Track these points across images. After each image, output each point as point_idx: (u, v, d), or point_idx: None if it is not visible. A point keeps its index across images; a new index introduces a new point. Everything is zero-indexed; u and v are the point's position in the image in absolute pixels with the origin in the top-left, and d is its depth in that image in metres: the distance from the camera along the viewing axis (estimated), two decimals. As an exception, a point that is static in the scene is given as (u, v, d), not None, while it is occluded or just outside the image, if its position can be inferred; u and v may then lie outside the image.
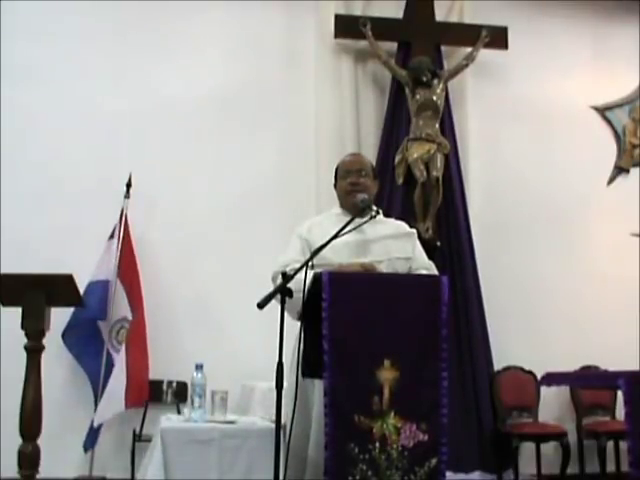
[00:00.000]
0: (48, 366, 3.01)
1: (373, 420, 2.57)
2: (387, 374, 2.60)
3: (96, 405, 4.82)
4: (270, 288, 2.73)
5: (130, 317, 4.94)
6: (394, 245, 3.08)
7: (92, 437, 4.86)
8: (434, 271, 3.13)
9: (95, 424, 4.81)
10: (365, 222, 2.97)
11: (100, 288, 4.92)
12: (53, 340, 3.03)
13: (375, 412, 2.58)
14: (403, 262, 3.04)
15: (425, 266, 3.11)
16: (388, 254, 3.02)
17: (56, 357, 4.77)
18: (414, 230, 3.27)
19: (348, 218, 2.98)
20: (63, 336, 4.88)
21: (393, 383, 2.60)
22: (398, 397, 2.59)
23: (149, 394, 4.91)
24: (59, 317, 3.34)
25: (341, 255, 2.93)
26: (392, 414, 2.58)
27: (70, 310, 4.83)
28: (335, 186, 3.24)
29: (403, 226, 3.25)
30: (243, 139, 5.54)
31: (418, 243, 3.21)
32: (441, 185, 5.45)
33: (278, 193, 5.50)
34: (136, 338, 4.90)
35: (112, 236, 5.06)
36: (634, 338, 5.56)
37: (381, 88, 5.85)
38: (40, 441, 2.86)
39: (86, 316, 4.87)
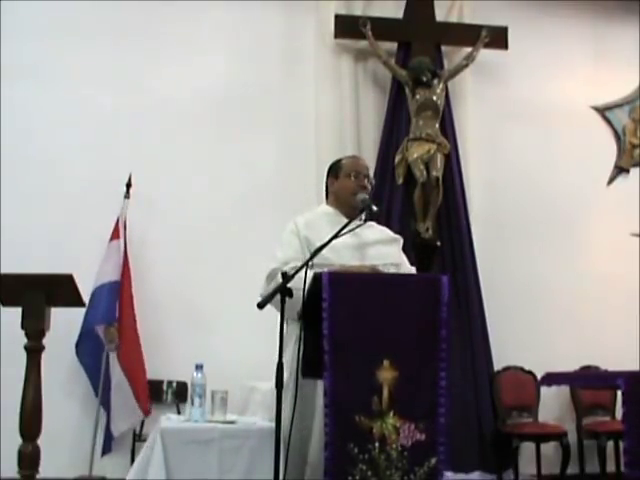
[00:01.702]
0: (48, 366, 3.01)
1: (373, 420, 2.57)
2: (386, 374, 2.60)
3: (107, 411, 4.87)
4: (269, 287, 2.74)
5: (116, 317, 4.88)
6: (386, 251, 3.11)
7: (108, 442, 4.91)
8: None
9: (115, 434, 4.88)
10: (362, 224, 2.97)
11: (109, 290, 4.87)
12: (53, 340, 3.02)
13: (375, 412, 2.58)
14: (394, 268, 3.07)
15: (410, 272, 3.15)
16: (383, 259, 3.04)
17: (56, 357, 4.74)
18: (399, 236, 3.30)
19: (341, 218, 3.02)
20: (77, 346, 4.90)
21: (392, 383, 2.60)
22: (397, 397, 2.59)
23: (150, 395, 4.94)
24: (64, 321, 3.34)
25: (343, 257, 2.93)
26: (391, 414, 2.59)
27: (74, 316, 4.81)
28: (331, 182, 3.22)
29: (387, 231, 3.29)
30: (243, 139, 5.54)
31: (401, 250, 3.24)
32: (441, 185, 5.45)
33: (278, 193, 5.49)
34: (129, 341, 4.90)
35: (114, 237, 5.02)
36: (634, 338, 5.57)
37: (381, 88, 5.85)
38: (40, 441, 2.87)
39: (94, 322, 4.85)
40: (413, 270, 3.17)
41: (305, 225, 3.08)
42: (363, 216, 3.00)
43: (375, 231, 3.17)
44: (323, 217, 3.13)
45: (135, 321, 4.97)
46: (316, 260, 2.83)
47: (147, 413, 4.87)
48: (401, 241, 3.26)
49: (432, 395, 2.64)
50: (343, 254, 2.94)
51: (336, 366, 2.58)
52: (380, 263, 3.00)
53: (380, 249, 3.09)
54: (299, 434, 2.79)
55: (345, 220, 2.95)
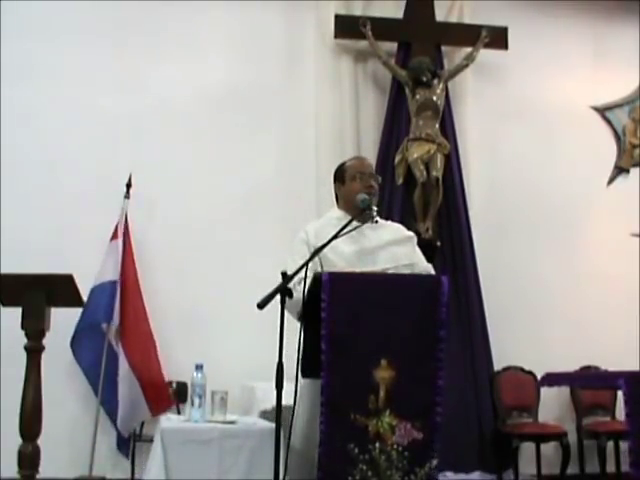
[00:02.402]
0: (48, 366, 3.01)
1: (368, 418, 2.58)
2: (383, 373, 2.61)
3: (111, 412, 4.86)
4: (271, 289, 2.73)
5: (118, 318, 4.88)
6: (399, 251, 3.06)
7: (125, 444, 4.91)
8: (432, 273, 3.13)
9: (125, 435, 4.88)
10: (362, 224, 2.95)
11: (108, 289, 4.87)
12: (53, 340, 3.02)
13: (371, 411, 2.59)
14: (407, 269, 3.03)
15: (427, 270, 3.11)
16: (395, 261, 3.01)
17: (56, 357, 4.74)
18: (413, 234, 3.25)
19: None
20: (72, 344, 4.89)
21: (389, 382, 2.60)
22: (394, 396, 2.60)
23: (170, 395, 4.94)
24: (64, 320, 3.34)
25: (352, 263, 2.92)
26: (387, 412, 2.59)
27: (74, 316, 4.79)
28: (338, 187, 3.20)
29: (402, 229, 3.23)
30: (243, 139, 5.54)
31: (417, 247, 3.20)
32: (441, 185, 5.46)
33: (278, 193, 5.50)
34: (136, 341, 4.90)
35: (114, 237, 5.02)
36: (634, 338, 5.56)
37: (381, 88, 5.85)
38: (40, 441, 2.87)
39: (94, 320, 4.85)
40: (430, 268, 3.12)
41: (315, 234, 3.03)
42: (374, 214, 2.97)
43: (388, 231, 3.13)
44: (333, 222, 3.07)
45: (146, 321, 4.97)
46: (326, 268, 2.84)
47: (171, 403, 4.87)
48: (415, 239, 3.20)
49: (429, 394, 2.64)
50: (352, 261, 2.93)
51: (333, 365, 2.58)
52: (392, 266, 2.97)
53: (392, 250, 3.04)
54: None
55: (355, 223, 2.91)
